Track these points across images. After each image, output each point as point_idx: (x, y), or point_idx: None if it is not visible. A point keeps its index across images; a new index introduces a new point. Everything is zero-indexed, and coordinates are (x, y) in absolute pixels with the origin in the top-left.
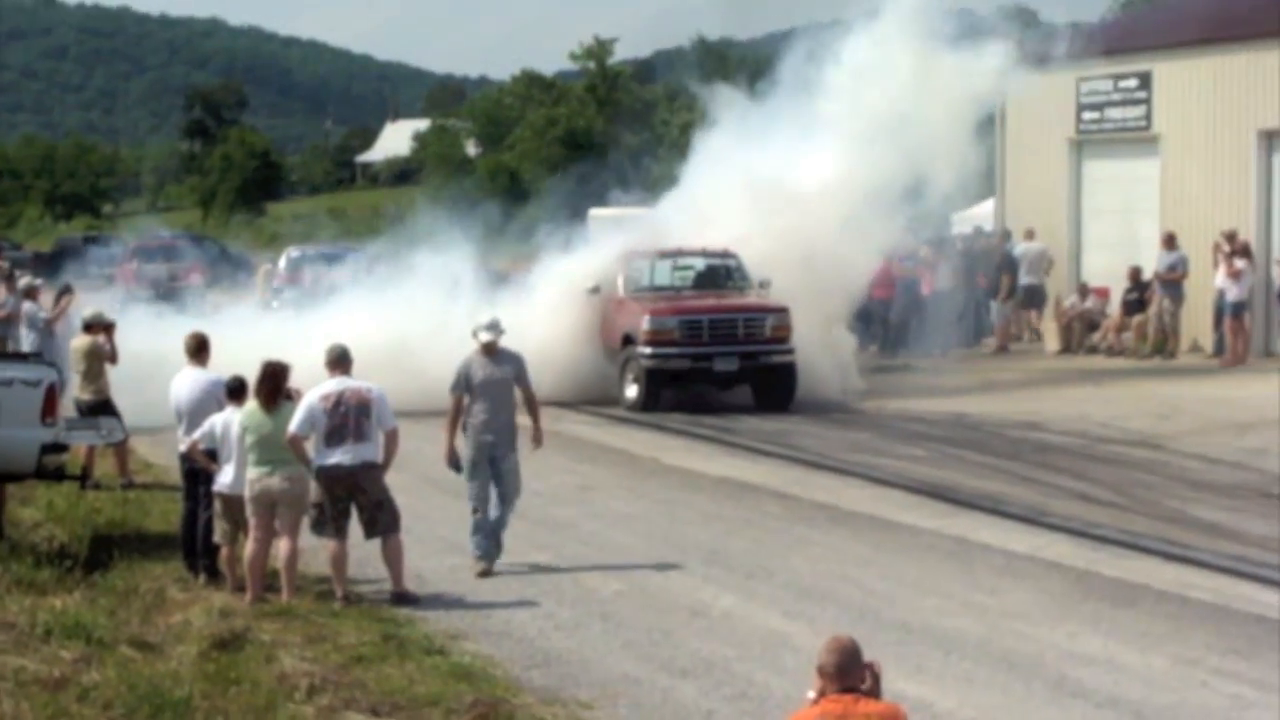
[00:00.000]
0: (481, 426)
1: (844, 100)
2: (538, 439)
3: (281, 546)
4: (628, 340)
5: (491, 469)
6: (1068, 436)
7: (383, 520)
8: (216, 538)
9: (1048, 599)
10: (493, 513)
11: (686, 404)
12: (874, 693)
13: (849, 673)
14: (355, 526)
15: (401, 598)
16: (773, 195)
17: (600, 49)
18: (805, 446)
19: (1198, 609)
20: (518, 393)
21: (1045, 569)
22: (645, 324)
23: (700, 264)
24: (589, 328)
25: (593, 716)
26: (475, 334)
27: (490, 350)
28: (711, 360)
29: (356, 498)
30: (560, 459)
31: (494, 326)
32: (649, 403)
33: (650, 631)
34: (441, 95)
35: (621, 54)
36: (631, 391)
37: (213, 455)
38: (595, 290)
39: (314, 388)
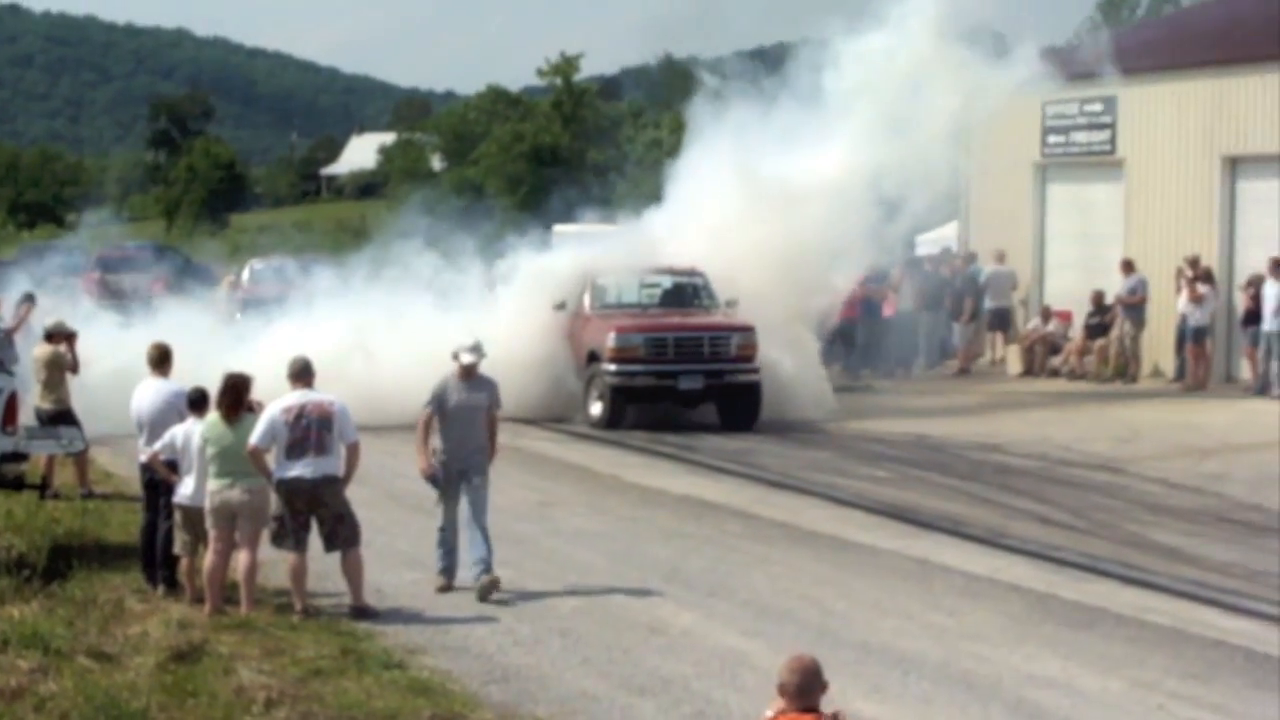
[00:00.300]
0: (452, 451)
1: (840, 106)
2: (490, 455)
3: (241, 559)
4: (593, 357)
5: (461, 485)
6: (1028, 459)
7: (343, 534)
8: (176, 549)
9: (1007, 621)
10: (463, 528)
11: (651, 422)
12: None
13: (809, 692)
14: (315, 540)
15: (361, 611)
16: (761, 199)
17: (567, 65)
18: (766, 465)
19: (1156, 633)
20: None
21: (1005, 591)
22: (610, 341)
23: (668, 282)
24: (554, 343)
25: None
26: (456, 355)
27: (469, 374)
28: (676, 378)
29: (317, 511)
30: (521, 475)
31: (476, 349)
32: (614, 420)
33: (609, 648)
34: (407, 109)
35: (588, 70)
36: (596, 409)
37: (173, 466)
38: (561, 306)
39: (276, 400)
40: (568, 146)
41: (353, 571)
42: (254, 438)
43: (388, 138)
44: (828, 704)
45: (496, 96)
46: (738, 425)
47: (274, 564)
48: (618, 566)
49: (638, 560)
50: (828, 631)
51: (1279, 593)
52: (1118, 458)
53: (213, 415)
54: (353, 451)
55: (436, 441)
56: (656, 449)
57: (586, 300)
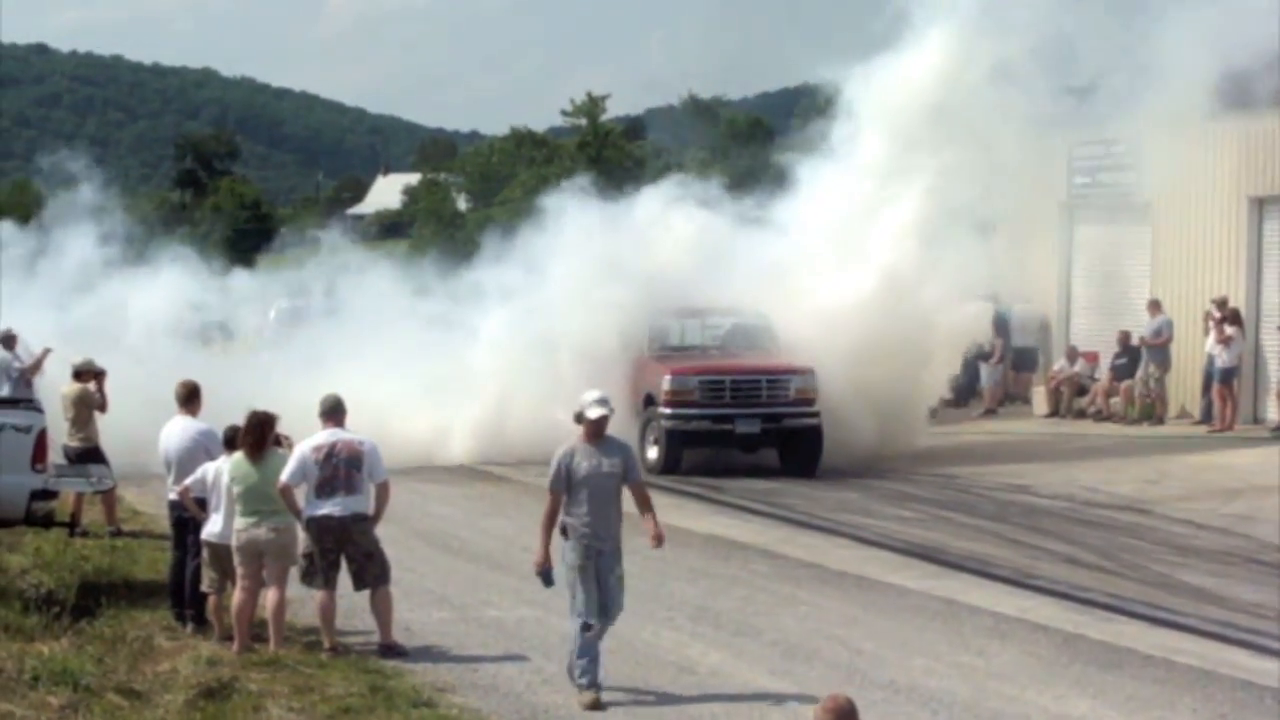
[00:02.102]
0: (587, 525)
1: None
2: (658, 536)
3: (269, 597)
4: (649, 400)
5: (598, 568)
6: (1055, 500)
7: (372, 572)
8: (204, 586)
9: (1035, 661)
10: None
11: (710, 467)
12: None
13: None
14: (344, 578)
15: (389, 649)
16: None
17: (593, 105)
18: (792, 506)
19: (1184, 673)
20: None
21: (1032, 631)
22: (666, 383)
23: (728, 323)
24: (617, 388)
25: None
26: (582, 411)
27: (599, 433)
28: (733, 422)
29: (346, 549)
30: None
31: (605, 402)
32: (670, 465)
33: (638, 687)
34: (433, 149)
35: (613, 111)
36: (652, 453)
37: (203, 503)
38: (622, 350)
39: (306, 439)
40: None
41: (382, 609)
42: (285, 475)
43: (413, 178)
44: None
45: (521, 138)
46: (798, 470)
47: (302, 602)
48: (646, 605)
49: (665, 600)
50: (856, 671)
51: None
52: (1145, 499)
53: (238, 454)
54: (382, 490)
55: (568, 518)
56: (682, 489)
57: (646, 343)
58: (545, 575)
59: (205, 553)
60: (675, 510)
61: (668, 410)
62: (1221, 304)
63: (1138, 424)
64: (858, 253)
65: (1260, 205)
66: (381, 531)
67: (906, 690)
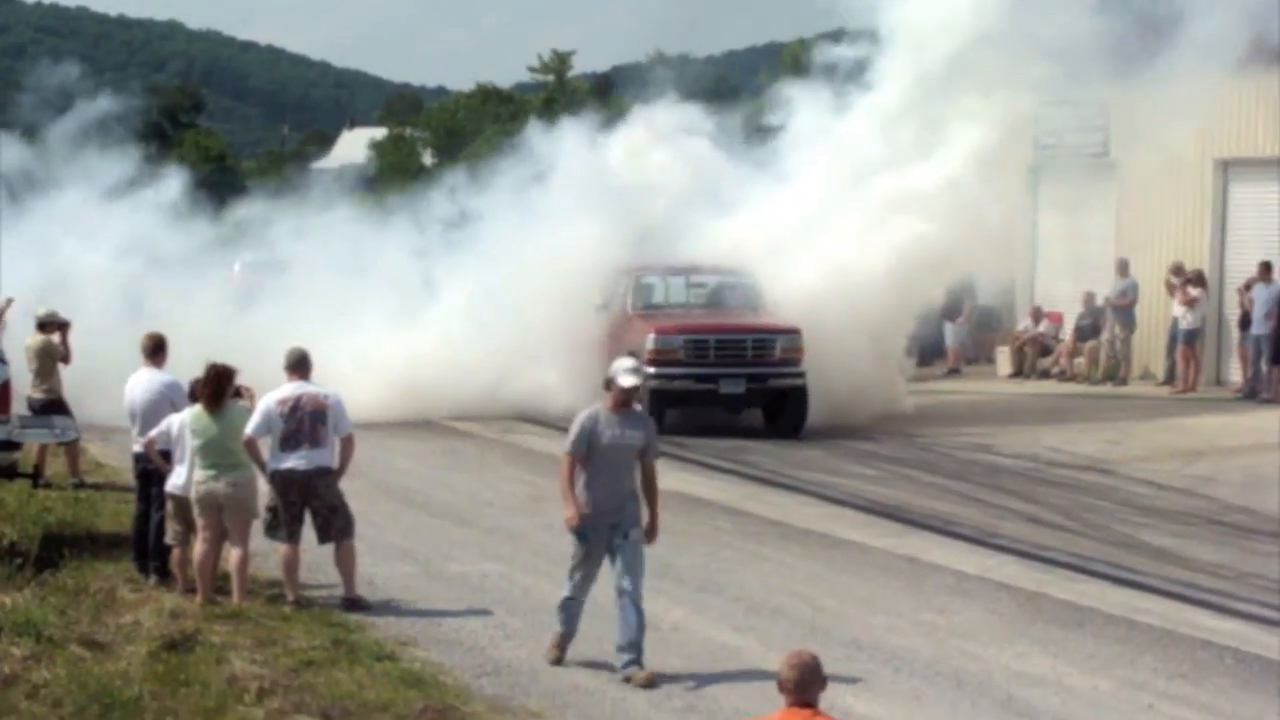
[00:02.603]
0: (602, 500)
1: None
2: (653, 531)
3: (232, 554)
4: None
5: (611, 539)
6: (1018, 459)
7: (336, 525)
8: (168, 539)
9: (997, 619)
10: (625, 585)
11: (694, 427)
12: None
13: (808, 688)
14: (308, 531)
15: (353, 603)
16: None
17: (559, 62)
18: (758, 464)
19: (1146, 633)
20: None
21: (995, 590)
22: (650, 342)
23: (713, 281)
24: (592, 345)
25: None
26: (613, 378)
27: (626, 403)
28: (717, 382)
29: (310, 502)
30: (512, 469)
31: (638, 370)
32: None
33: (601, 642)
34: (399, 104)
35: (580, 68)
36: None
37: (168, 455)
38: (603, 307)
39: (271, 391)
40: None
41: (345, 563)
42: (249, 428)
43: (379, 132)
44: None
45: (488, 94)
46: (784, 431)
47: (266, 555)
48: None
49: None
50: (819, 628)
51: (1267, 594)
52: (1107, 459)
53: (197, 406)
54: (347, 444)
55: (580, 490)
56: None
57: (629, 300)
58: (581, 532)
59: (169, 505)
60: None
61: (651, 369)
62: (1178, 270)
63: (1101, 385)
64: (862, 212)
65: (1225, 168)
66: (346, 485)
67: (869, 647)
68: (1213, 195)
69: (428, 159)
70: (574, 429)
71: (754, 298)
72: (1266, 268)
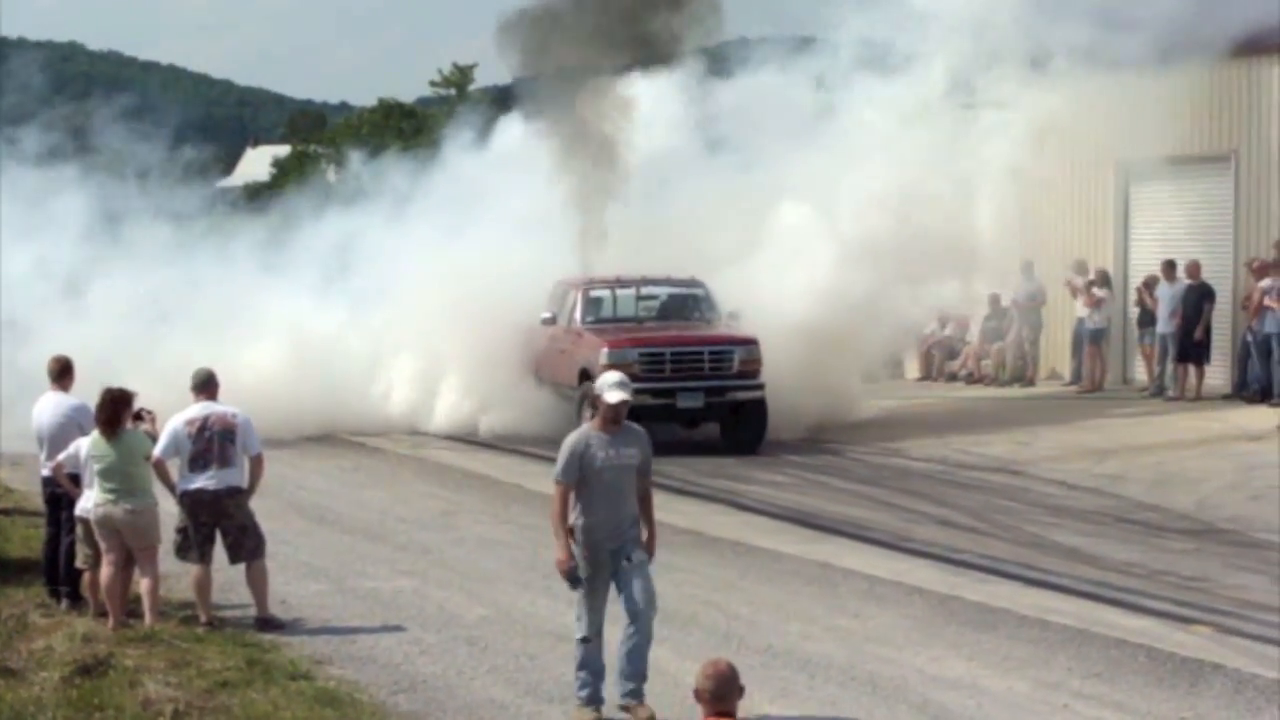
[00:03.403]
0: (599, 527)
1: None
2: (650, 548)
3: (142, 583)
4: (585, 375)
5: (613, 568)
6: (929, 463)
7: (247, 545)
8: (79, 562)
9: (911, 623)
10: (635, 609)
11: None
12: None
13: (725, 697)
14: (220, 551)
15: (266, 623)
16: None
17: (460, 76)
18: (667, 473)
19: (1059, 633)
20: None
21: (908, 594)
22: (603, 357)
23: (664, 293)
24: (533, 361)
25: None
26: (599, 394)
27: (616, 419)
28: (674, 396)
29: (221, 523)
30: (424, 485)
31: (625, 385)
32: None
33: (516, 656)
34: (302, 121)
35: (481, 81)
36: None
37: (76, 479)
38: (551, 321)
39: (179, 413)
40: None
41: (258, 583)
42: (157, 450)
43: (283, 150)
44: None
45: (390, 109)
46: (742, 447)
47: (178, 576)
48: (523, 574)
49: (542, 568)
50: (733, 636)
51: (1178, 591)
52: (1017, 460)
53: (95, 432)
54: (256, 463)
55: (576, 517)
56: (557, 457)
57: (578, 314)
58: (571, 576)
59: (79, 529)
60: (548, 478)
61: None
62: (1080, 269)
63: (1009, 386)
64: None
65: (1127, 168)
66: (256, 504)
67: (784, 654)
68: (1114, 195)
69: (331, 175)
70: (563, 455)
71: (707, 309)
72: (1170, 266)
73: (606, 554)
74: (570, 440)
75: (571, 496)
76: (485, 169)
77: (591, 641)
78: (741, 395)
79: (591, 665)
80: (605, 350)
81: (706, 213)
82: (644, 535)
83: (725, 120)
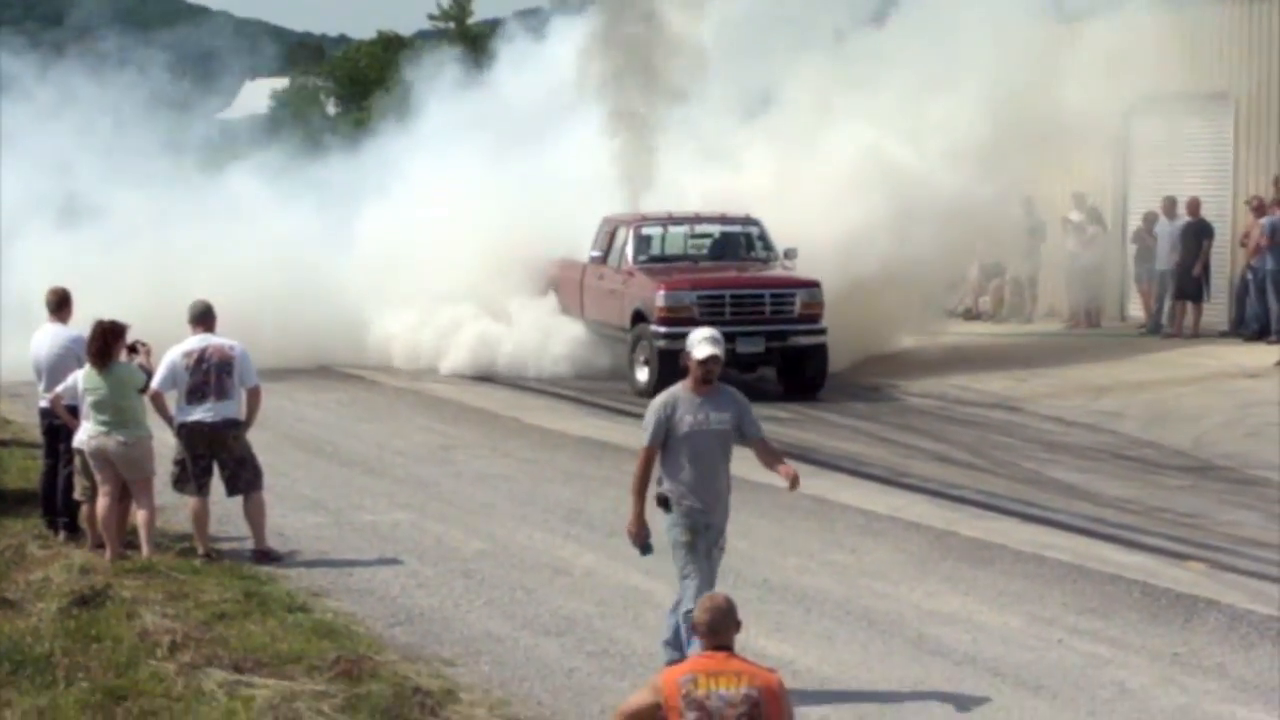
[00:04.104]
0: (691, 492)
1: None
2: (794, 476)
3: (138, 514)
4: (639, 317)
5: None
6: (926, 398)
7: (245, 477)
8: (77, 494)
9: (906, 558)
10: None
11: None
12: None
13: (722, 630)
14: (217, 483)
15: (263, 555)
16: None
17: (458, 9)
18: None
19: (1054, 568)
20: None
21: (904, 529)
22: (660, 299)
23: (718, 231)
24: (577, 300)
25: (455, 674)
26: (687, 350)
27: (708, 379)
28: (734, 341)
29: (218, 455)
30: (422, 418)
31: (717, 340)
32: (663, 386)
33: (512, 589)
34: (300, 53)
35: (481, 14)
36: (642, 375)
37: (75, 411)
38: (601, 259)
39: (176, 345)
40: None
41: (255, 515)
42: (155, 382)
43: (281, 82)
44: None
45: (389, 42)
46: (801, 393)
47: (175, 509)
48: (520, 508)
49: (540, 502)
50: (729, 570)
51: (1174, 527)
52: (1014, 396)
53: (89, 364)
54: (253, 396)
55: (667, 484)
56: (555, 391)
57: (629, 252)
58: (644, 544)
59: (77, 461)
60: (547, 412)
61: (662, 329)
62: (1080, 202)
63: (1006, 323)
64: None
65: (1129, 105)
66: (254, 437)
67: (780, 589)
68: (1114, 131)
69: (331, 108)
70: (649, 416)
71: (763, 248)
72: (1171, 203)
73: (703, 525)
74: (657, 402)
75: (659, 461)
76: (531, 92)
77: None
78: (804, 340)
79: (683, 648)
80: (662, 292)
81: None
82: (783, 467)
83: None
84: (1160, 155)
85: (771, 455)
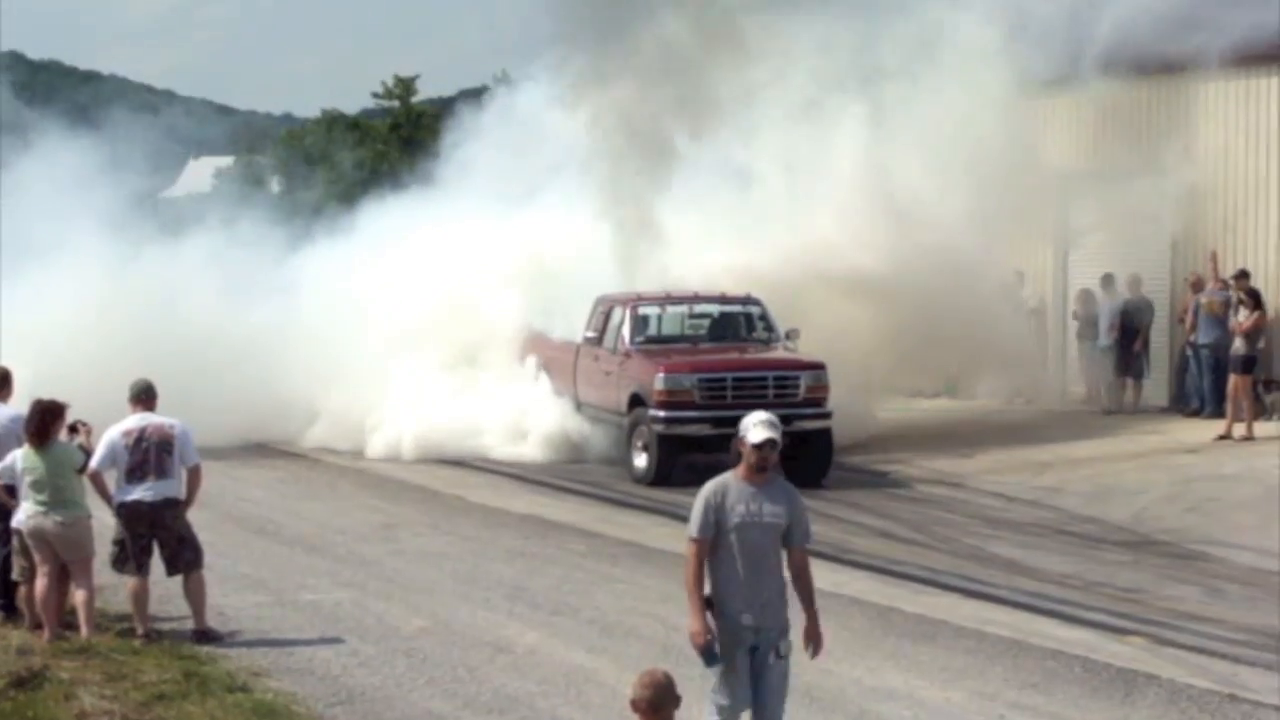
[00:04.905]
0: (734, 597)
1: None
2: (815, 636)
3: (77, 595)
4: (636, 400)
5: (753, 656)
6: (868, 474)
7: (185, 557)
8: (15, 575)
9: (849, 635)
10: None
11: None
12: None
13: (662, 707)
14: (157, 563)
15: (204, 635)
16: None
17: (403, 88)
18: (608, 485)
19: (996, 644)
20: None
21: (847, 605)
22: (659, 382)
23: (717, 311)
24: (570, 383)
25: None
26: (741, 434)
27: (763, 467)
28: (735, 425)
29: (158, 534)
30: (363, 496)
31: (774, 424)
32: (662, 473)
33: (455, 668)
34: (245, 133)
35: (426, 93)
36: (640, 460)
37: (12, 491)
38: (596, 340)
39: (116, 424)
40: (410, 171)
41: (195, 594)
42: (94, 462)
43: (226, 160)
44: None
45: (333, 121)
46: (807, 479)
47: (115, 588)
48: (462, 586)
49: (482, 580)
50: (672, 648)
51: (1115, 602)
52: (956, 472)
53: (26, 444)
54: (194, 474)
55: (714, 584)
56: (498, 469)
57: (625, 332)
58: (707, 651)
59: (15, 541)
60: (490, 490)
61: (661, 413)
62: (1019, 278)
63: (935, 399)
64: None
65: (1065, 182)
66: (194, 516)
67: None
68: (1052, 209)
69: (275, 186)
70: (697, 505)
71: (764, 329)
72: (1108, 280)
73: (748, 630)
74: (706, 490)
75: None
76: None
77: (730, 707)
78: (809, 425)
79: None
80: (661, 374)
81: None
82: (807, 618)
83: None
84: (1099, 232)
85: (805, 582)
